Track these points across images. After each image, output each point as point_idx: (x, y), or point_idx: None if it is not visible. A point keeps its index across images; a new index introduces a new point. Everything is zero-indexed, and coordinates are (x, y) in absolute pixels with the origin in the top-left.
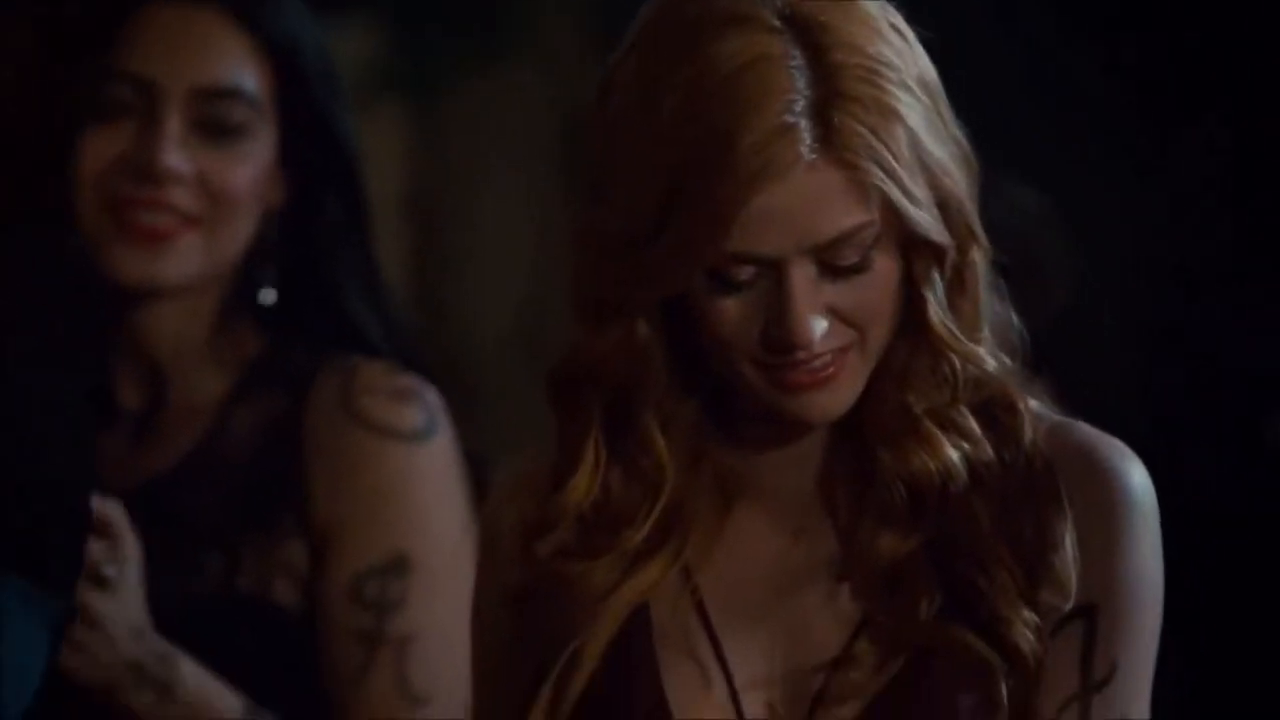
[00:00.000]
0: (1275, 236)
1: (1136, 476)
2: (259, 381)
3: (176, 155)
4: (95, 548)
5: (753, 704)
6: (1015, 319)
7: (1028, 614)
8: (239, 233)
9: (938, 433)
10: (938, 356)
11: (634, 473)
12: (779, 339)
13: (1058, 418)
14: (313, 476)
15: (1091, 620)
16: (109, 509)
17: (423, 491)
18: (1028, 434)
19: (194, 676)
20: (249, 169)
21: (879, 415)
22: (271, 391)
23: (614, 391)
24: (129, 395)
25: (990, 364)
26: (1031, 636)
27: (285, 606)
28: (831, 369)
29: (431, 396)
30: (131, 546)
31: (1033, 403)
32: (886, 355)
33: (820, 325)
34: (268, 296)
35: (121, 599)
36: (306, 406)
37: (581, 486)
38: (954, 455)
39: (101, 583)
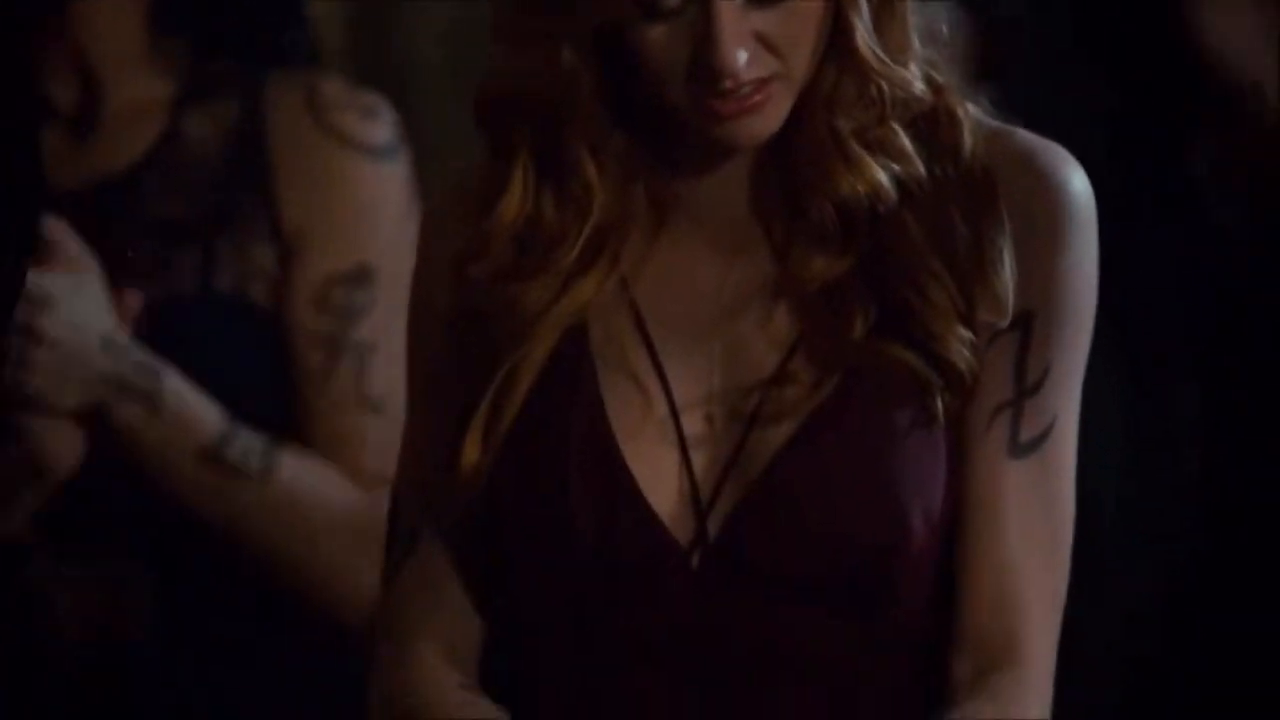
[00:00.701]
0: None
1: (1076, 181)
2: (204, 87)
3: None
4: (30, 271)
5: (691, 422)
6: (959, 24)
7: (962, 331)
8: None
9: (865, 155)
10: (864, 80)
11: (564, 196)
12: (705, 67)
13: (997, 124)
14: (282, 183)
15: (1027, 327)
16: (50, 225)
17: (389, 208)
18: (967, 143)
19: (178, 387)
20: None
21: (807, 139)
22: (221, 97)
23: (541, 117)
24: (59, 96)
25: (918, 87)
26: (967, 353)
27: (262, 305)
28: (757, 97)
29: (391, 114)
30: (81, 257)
31: (972, 109)
32: (814, 79)
33: (743, 54)
34: None
35: (76, 311)
36: (267, 114)
37: (512, 208)
38: (882, 177)
39: (43, 303)
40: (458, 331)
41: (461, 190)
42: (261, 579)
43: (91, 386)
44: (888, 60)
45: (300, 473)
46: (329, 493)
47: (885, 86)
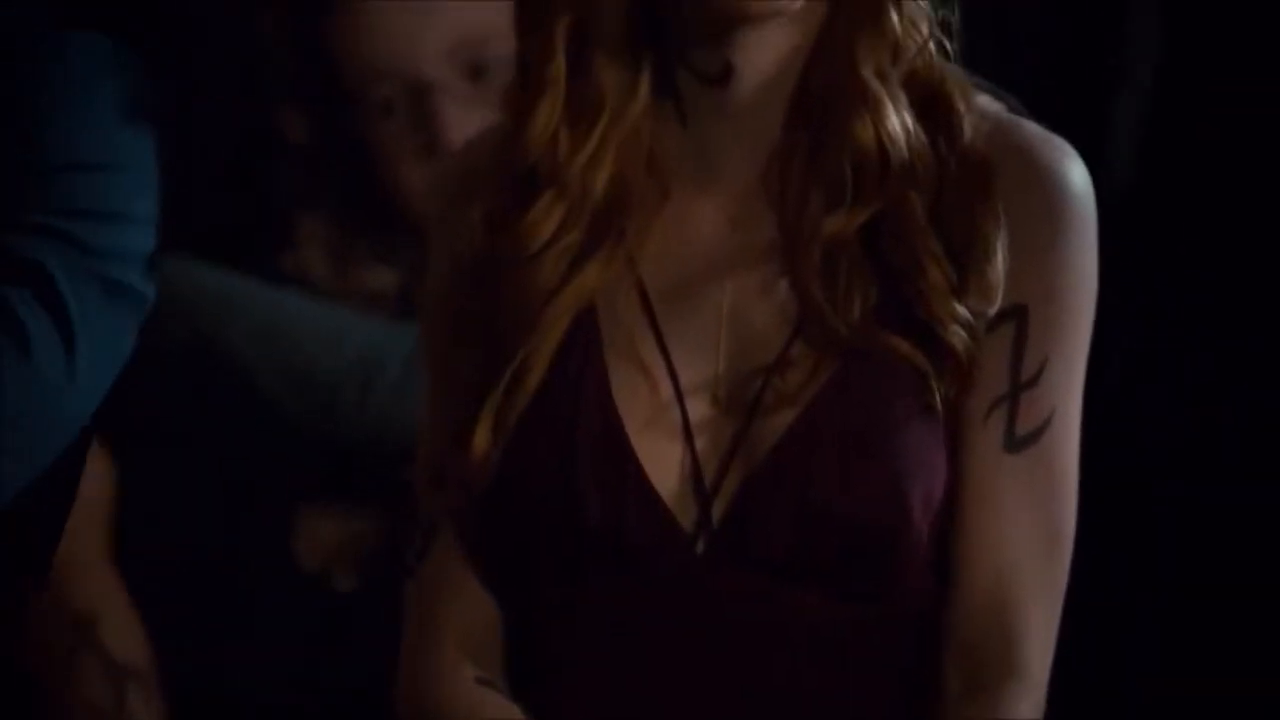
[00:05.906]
0: None
1: (1076, 175)
2: None
3: None
4: None
5: (696, 407)
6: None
7: (960, 310)
8: None
9: (882, 92)
10: (880, 13)
11: (582, 104)
12: None
13: (1005, 116)
14: None
15: (1023, 320)
16: None
17: None
18: (967, 132)
19: None
20: None
21: (823, 81)
22: None
23: (575, 22)
24: None
25: (924, 27)
26: (964, 334)
27: None
28: None
29: None
30: None
31: (982, 98)
32: (831, 23)
33: None
34: None
35: None
36: None
37: (542, 117)
38: (895, 122)
39: None
40: (466, 320)
41: (470, 150)
42: None
43: None
44: None
45: None
46: None
47: (896, 19)
